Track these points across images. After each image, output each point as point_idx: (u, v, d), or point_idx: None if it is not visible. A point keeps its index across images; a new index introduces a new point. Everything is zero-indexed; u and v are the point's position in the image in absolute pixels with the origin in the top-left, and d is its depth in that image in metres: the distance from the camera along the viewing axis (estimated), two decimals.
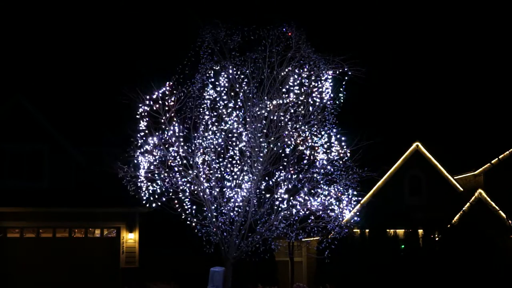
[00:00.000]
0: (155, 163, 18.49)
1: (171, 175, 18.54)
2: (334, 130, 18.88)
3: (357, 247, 25.99)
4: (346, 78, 18.88)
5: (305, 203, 18.63)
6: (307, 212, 18.93)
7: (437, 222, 26.66)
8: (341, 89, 19.03)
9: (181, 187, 18.61)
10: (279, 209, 18.73)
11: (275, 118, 18.91)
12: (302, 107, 18.87)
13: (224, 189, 18.87)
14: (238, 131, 18.94)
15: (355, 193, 19.01)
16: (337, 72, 18.93)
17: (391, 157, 31.04)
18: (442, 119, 41.52)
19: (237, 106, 19.00)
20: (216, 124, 18.84)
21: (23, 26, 44.38)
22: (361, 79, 18.84)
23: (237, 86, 18.97)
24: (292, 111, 19.00)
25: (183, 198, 18.70)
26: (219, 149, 18.88)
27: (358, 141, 18.86)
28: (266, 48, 18.84)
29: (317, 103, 18.88)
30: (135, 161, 18.52)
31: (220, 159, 18.93)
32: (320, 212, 18.84)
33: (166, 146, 18.52)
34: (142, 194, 18.58)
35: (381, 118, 38.68)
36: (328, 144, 18.88)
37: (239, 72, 18.97)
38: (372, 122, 36.49)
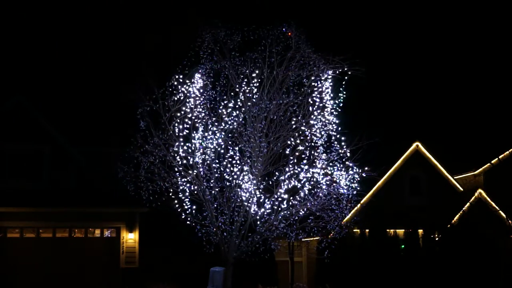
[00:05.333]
0: (155, 163, 18.50)
1: (171, 175, 18.54)
2: (334, 130, 18.89)
3: (357, 247, 25.97)
4: (346, 78, 18.89)
5: (305, 203, 18.62)
6: (307, 212, 18.93)
7: (437, 222, 26.65)
8: (341, 88, 19.03)
9: (181, 187, 18.61)
10: (279, 209, 18.73)
11: (275, 118, 18.91)
12: (302, 107, 18.87)
13: (224, 189, 18.87)
14: (238, 131, 18.95)
15: (355, 193, 19.00)
16: (337, 71, 18.93)
17: (391, 157, 31.02)
18: (442, 119, 41.50)
19: (237, 106, 19.01)
20: (216, 124, 18.85)
21: (23, 26, 44.37)
22: (361, 78, 18.85)
23: (237, 86, 18.98)
24: (292, 111, 19.00)
25: (183, 198, 18.70)
26: (219, 149, 18.88)
27: (358, 141, 18.86)
28: (265, 48, 18.84)
29: (317, 103, 18.88)
30: (135, 161, 18.52)
31: (220, 159, 18.93)
32: (320, 212, 18.84)
33: (166, 146, 18.53)
34: (142, 194, 18.59)
35: (381, 118, 38.67)
36: (328, 144, 18.88)
37: (238, 72, 18.97)
38: (372, 122, 36.47)
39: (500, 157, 31.16)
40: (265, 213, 18.96)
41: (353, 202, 19.12)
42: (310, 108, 18.82)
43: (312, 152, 18.88)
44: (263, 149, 18.74)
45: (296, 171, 18.68)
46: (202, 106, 18.85)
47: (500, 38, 47.90)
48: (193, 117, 18.68)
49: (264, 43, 18.87)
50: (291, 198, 18.69)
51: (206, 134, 18.68)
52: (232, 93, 19.09)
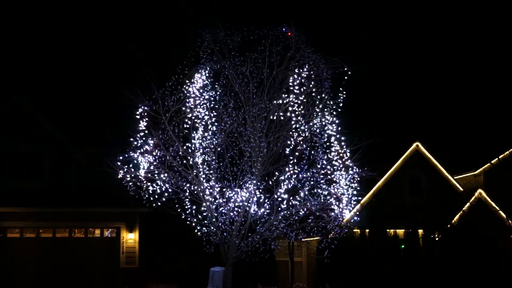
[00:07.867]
0: (155, 163, 18.49)
1: (171, 175, 18.54)
2: (334, 130, 18.88)
3: (357, 247, 25.95)
4: (346, 77, 18.89)
5: (305, 203, 18.62)
6: (307, 212, 18.93)
7: (437, 222, 26.63)
8: (341, 88, 19.03)
9: (181, 187, 18.61)
10: (279, 209, 18.73)
11: (275, 118, 18.91)
12: (302, 107, 18.87)
13: (224, 189, 18.87)
14: (238, 131, 18.95)
15: (355, 193, 19.00)
16: (337, 71, 18.93)
17: (391, 157, 31.01)
18: (442, 119, 41.53)
19: (237, 106, 19.02)
20: (216, 124, 18.85)
21: (23, 26, 44.38)
22: (360, 78, 18.87)
23: (237, 86, 18.98)
24: (291, 110, 18.99)
25: (183, 198, 18.70)
26: (219, 149, 18.88)
27: (358, 141, 18.86)
28: (265, 48, 18.84)
29: (317, 103, 18.87)
30: (135, 161, 18.52)
31: (220, 159, 18.93)
32: (320, 212, 18.84)
33: (166, 146, 18.53)
34: (142, 194, 18.59)
35: (381, 118, 38.69)
36: (328, 144, 18.88)
37: (238, 72, 18.97)
38: (372, 122, 36.48)
39: (500, 157, 31.12)
40: (265, 213, 18.96)
41: (353, 202, 19.11)
42: (310, 108, 18.82)
43: (312, 152, 18.90)
44: (263, 149, 18.74)
45: (296, 171, 18.68)
46: (202, 106, 18.84)
47: (500, 38, 47.93)
48: (193, 117, 18.68)
49: (264, 43, 18.87)
50: (291, 198, 18.69)
51: (206, 134, 18.67)
52: (232, 93, 19.10)
